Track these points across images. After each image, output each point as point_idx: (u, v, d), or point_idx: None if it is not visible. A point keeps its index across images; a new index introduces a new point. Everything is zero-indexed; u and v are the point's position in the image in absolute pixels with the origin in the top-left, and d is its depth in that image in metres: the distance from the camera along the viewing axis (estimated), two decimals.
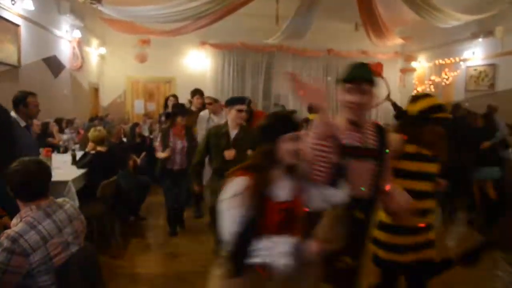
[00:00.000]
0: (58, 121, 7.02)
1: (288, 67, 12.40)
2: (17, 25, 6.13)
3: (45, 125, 6.27)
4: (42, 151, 4.26)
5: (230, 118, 3.73)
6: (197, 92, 6.14)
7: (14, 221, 2.03)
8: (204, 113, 5.59)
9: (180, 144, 4.84)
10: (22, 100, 3.75)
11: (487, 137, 5.94)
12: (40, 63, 7.16)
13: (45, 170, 2.13)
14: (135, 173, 6.00)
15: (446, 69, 10.36)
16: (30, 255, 1.88)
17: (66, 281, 2.01)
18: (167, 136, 4.82)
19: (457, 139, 5.36)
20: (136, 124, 7.55)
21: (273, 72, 12.42)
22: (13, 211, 2.11)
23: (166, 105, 6.69)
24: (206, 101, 5.80)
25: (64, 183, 4.07)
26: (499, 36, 8.46)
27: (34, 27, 6.77)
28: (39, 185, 2.07)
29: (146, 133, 8.03)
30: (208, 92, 9.01)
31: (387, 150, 2.09)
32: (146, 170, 6.12)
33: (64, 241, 2.04)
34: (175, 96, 6.80)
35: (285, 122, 1.74)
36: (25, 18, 6.37)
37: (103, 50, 10.97)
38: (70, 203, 2.23)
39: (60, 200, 2.21)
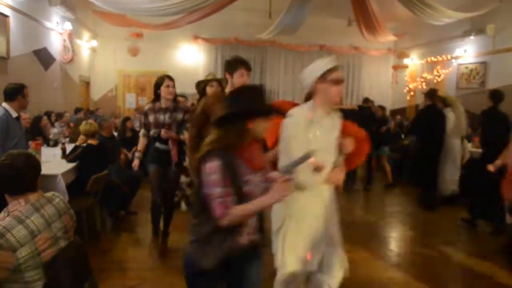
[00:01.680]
0: (48, 114, 6.94)
1: (281, 62, 12.39)
2: (6, 16, 6.05)
3: (37, 119, 6.16)
4: (31, 144, 4.22)
5: None
6: (242, 64, 3.23)
7: (2, 215, 1.99)
8: (300, 111, 2.51)
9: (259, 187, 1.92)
10: (21, 91, 3.82)
11: (383, 124, 8.25)
12: (30, 55, 7.07)
13: (34, 164, 2.09)
14: (126, 168, 5.96)
15: (438, 67, 10.42)
16: (18, 250, 1.85)
17: (55, 276, 1.98)
18: (233, 170, 1.81)
19: (360, 124, 6.69)
20: (127, 118, 7.49)
21: (266, 67, 12.40)
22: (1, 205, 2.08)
23: (157, 94, 4.06)
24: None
25: (53, 177, 4.03)
26: (491, 34, 8.53)
27: (23, 18, 6.68)
28: (27, 179, 2.03)
29: (137, 128, 7.97)
30: None
31: None
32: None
33: (53, 236, 2.01)
34: (171, 79, 4.04)
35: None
36: (14, 9, 6.28)
37: (94, 43, 10.87)
38: (59, 197, 2.20)
39: (49, 194, 2.17)
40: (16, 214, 1.93)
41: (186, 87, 7.09)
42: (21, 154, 2.08)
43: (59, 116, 7.43)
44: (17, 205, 1.98)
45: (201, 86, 4.10)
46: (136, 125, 8.18)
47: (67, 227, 2.14)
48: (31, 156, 2.13)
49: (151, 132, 4.11)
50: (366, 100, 8.28)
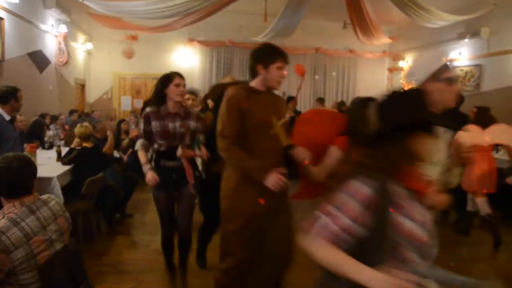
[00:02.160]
0: (43, 117, 6.92)
1: None
2: (1, 18, 6.02)
3: (37, 123, 6.08)
4: (27, 146, 4.20)
5: None
6: (281, 55, 2.54)
7: None
8: None
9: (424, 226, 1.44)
10: (14, 94, 3.82)
11: None
12: (25, 58, 7.04)
13: (30, 167, 2.08)
14: (122, 170, 5.94)
15: None
16: (13, 253, 1.84)
17: (50, 279, 1.97)
18: (387, 202, 1.35)
19: None
20: (122, 121, 7.48)
21: None
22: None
23: (161, 95, 3.16)
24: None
25: (49, 180, 4.02)
26: (485, 37, 8.58)
27: (18, 21, 6.65)
28: (23, 182, 2.02)
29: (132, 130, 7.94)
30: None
31: None
32: (133, 167, 6.04)
33: (48, 238, 2.00)
34: (182, 77, 3.18)
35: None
36: (8, 11, 6.26)
37: (89, 46, 10.83)
38: (55, 199, 2.19)
39: (45, 196, 2.16)
40: (11, 216, 1.92)
41: None
42: (17, 157, 2.07)
43: (54, 118, 7.40)
44: (13, 208, 1.97)
45: (218, 91, 3.27)
46: (132, 127, 8.15)
47: (63, 229, 2.13)
48: (26, 159, 2.12)
49: (156, 144, 3.16)
50: (342, 103, 8.30)
